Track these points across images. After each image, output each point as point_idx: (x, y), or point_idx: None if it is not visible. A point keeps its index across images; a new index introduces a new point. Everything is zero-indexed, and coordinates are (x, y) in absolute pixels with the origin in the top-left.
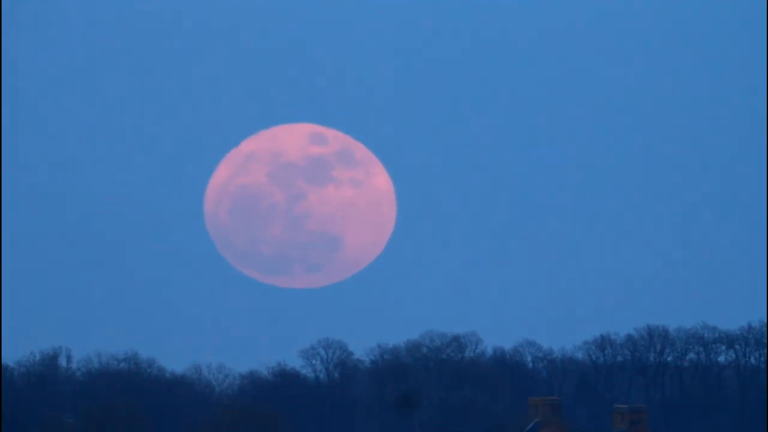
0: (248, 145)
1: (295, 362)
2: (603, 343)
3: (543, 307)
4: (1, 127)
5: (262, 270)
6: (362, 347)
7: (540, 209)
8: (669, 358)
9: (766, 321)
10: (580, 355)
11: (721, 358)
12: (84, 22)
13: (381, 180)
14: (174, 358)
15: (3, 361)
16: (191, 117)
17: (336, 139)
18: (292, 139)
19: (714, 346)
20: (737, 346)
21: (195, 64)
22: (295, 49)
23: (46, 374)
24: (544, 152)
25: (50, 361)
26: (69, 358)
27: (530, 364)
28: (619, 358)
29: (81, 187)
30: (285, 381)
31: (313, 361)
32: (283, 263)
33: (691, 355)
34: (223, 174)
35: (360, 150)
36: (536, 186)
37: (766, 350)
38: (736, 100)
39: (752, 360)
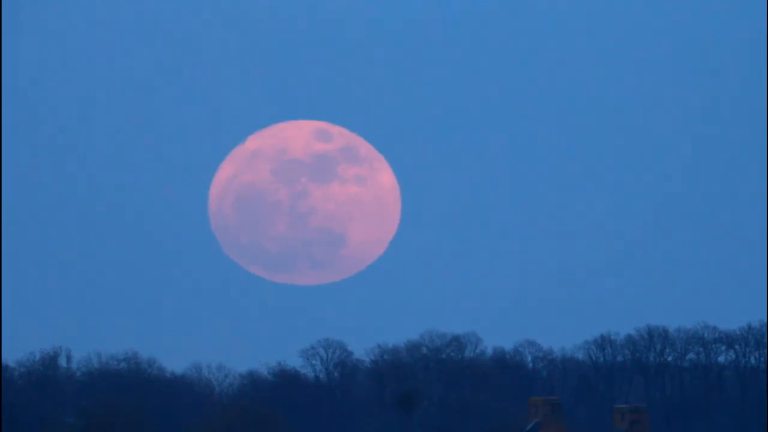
0: (253, 142)
1: (295, 362)
2: (603, 343)
3: (543, 307)
4: (1, 127)
5: (267, 267)
6: (362, 347)
7: (541, 209)
8: (669, 358)
9: (766, 321)
10: (580, 355)
11: (721, 358)
12: (86, 19)
13: (385, 177)
14: (174, 358)
15: (3, 361)
16: (195, 114)
17: (341, 136)
18: (297, 136)
19: (714, 346)
20: (737, 346)
21: (198, 62)
22: (300, 46)
23: (46, 374)
24: (546, 152)
25: (50, 361)
26: (69, 358)
27: (530, 364)
28: (619, 358)
29: (82, 185)
30: (285, 381)
31: (313, 361)
32: (288, 260)
33: (691, 355)
34: (227, 171)
35: (365, 147)
36: (538, 186)
37: (766, 350)
38: (736, 100)
39: (752, 360)
